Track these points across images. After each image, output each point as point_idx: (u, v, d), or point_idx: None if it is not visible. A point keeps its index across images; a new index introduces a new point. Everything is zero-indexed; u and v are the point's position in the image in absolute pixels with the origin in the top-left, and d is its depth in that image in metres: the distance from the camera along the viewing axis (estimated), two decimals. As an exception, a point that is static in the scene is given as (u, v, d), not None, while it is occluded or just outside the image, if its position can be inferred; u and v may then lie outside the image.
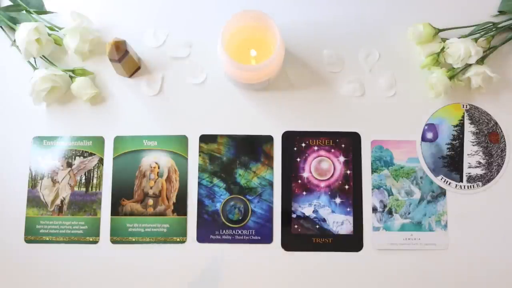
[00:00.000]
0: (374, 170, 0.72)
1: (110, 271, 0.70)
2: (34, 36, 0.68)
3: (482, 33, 0.72)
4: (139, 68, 0.74)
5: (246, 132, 0.73)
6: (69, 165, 0.73)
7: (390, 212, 0.71)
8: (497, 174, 0.72)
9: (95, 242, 0.71)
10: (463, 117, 0.73)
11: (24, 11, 0.73)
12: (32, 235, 0.71)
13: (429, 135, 0.73)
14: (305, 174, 0.72)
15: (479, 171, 0.72)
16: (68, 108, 0.74)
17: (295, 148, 0.72)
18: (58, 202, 0.72)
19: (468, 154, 0.72)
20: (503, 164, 0.72)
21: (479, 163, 0.72)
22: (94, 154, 0.73)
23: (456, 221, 0.71)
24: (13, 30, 0.71)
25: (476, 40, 0.71)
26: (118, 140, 0.73)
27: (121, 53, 0.68)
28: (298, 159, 0.72)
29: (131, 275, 0.70)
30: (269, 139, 0.73)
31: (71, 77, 0.73)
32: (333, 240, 0.70)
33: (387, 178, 0.72)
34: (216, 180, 0.72)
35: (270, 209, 0.71)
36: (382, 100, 0.73)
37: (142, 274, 0.70)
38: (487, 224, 0.70)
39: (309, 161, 0.72)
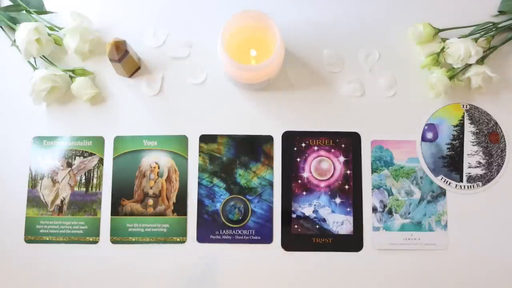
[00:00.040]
0: (374, 170, 0.72)
1: (110, 271, 0.70)
2: (34, 36, 0.68)
3: (482, 33, 0.72)
4: (139, 68, 0.74)
5: (246, 132, 0.73)
6: (69, 165, 0.73)
7: (390, 212, 0.71)
8: (497, 174, 0.72)
9: (95, 242, 0.71)
10: (463, 117, 0.73)
11: (24, 11, 0.73)
12: (32, 235, 0.71)
13: (429, 135, 0.73)
14: (305, 174, 0.72)
15: (479, 171, 0.72)
16: (68, 108, 0.74)
17: (295, 148, 0.72)
18: (58, 202, 0.72)
19: (468, 154, 0.72)
20: (503, 164, 0.72)
21: (479, 163, 0.72)
22: (94, 154, 0.73)
23: (456, 221, 0.71)
24: (13, 30, 0.71)
25: (476, 40, 0.71)
26: (118, 140, 0.73)
27: (121, 53, 0.68)
28: (298, 159, 0.72)
29: (131, 275, 0.70)
30: (269, 139, 0.73)
31: (71, 77, 0.73)
32: (333, 240, 0.70)
33: (387, 178, 0.72)
34: (216, 180, 0.72)
35: (270, 209, 0.71)
36: (382, 100, 0.73)
37: (142, 274, 0.70)
38: (487, 224, 0.70)
39: (309, 161, 0.72)
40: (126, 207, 0.71)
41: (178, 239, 0.71)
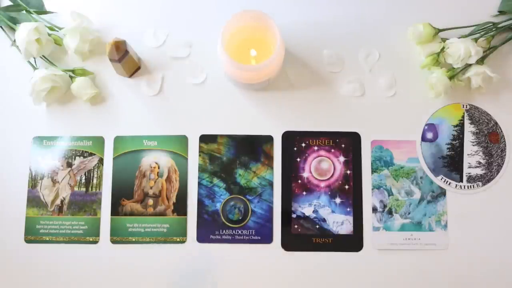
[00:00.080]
0: (374, 170, 0.72)
1: (110, 271, 0.70)
2: (34, 36, 0.68)
3: (482, 33, 0.72)
4: (139, 68, 0.74)
5: (246, 132, 0.73)
6: (69, 165, 0.73)
7: (390, 212, 0.71)
8: (497, 174, 0.72)
9: (95, 242, 0.71)
10: (463, 117, 0.73)
11: (24, 11, 0.73)
12: (32, 235, 0.71)
13: (429, 135, 0.73)
14: (305, 174, 0.72)
15: (479, 171, 0.72)
16: (68, 108, 0.74)
17: (295, 148, 0.72)
18: (58, 202, 0.72)
19: (468, 154, 0.72)
20: (503, 164, 0.72)
21: (479, 163, 0.72)
22: (94, 154, 0.73)
23: (456, 221, 0.71)
24: (13, 30, 0.71)
25: (476, 40, 0.71)
26: (118, 140, 0.73)
27: (121, 53, 0.68)
28: (298, 159, 0.72)
29: (131, 275, 0.70)
30: (269, 139, 0.73)
31: (71, 77, 0.73)
32: (333, 240, 0.70)
33: (387, 178, 0.72)
34: (216, 180, 0.72)
35: (270, 209, 0.71)
36: (382, 100, 0.73)
37: (142, 274, 0.70)
38: (487, 224, 0.70)
39: (309, 161, 0.72)
40: (126, 207, 0.71)
41: (178, 239, 0.71)
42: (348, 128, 0.73)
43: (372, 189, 0.72)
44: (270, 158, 0.72)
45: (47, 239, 0.71)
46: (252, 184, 0.72)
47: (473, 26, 0.73)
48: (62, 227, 0.71)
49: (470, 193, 0.71)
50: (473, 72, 0.70)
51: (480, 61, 0.71)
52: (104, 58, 0.71)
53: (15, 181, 0.72)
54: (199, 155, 0.72)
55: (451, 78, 0.71)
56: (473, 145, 0.72)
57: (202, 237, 0.71)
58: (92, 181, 0.72)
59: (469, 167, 0.72)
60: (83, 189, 0.72)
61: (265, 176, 0.72)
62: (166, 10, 0.76)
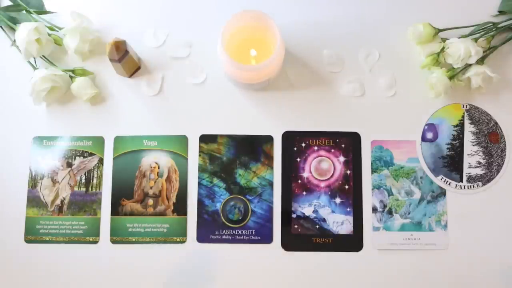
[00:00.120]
0: (374, 170, 0.72)
1: (110, 271, 0.70)
2: (34, 36, 0.68)
3: (482, 33, 0.72)
4: (139, 68, 0.74)
5: (246, 132, 0.73)
6: (69, 165, 0.73)
7: (390, 212, 0.71)
8: (497, 174, 0.72)
9: (95, 242, 0.71)
10: (463, 117, 0.73)
11: (24, 11, 0.73)
12: (32, 235, 0.71)
13: (429, 135, 0.73)
14: (305, 174, 0.72)
15: (479, 171, 0.72)
16: (68, 108, 0.74)
17: (295, 148, 0.72)
18: (58, 202, 0.72)
19: (468, 154, 0.72)
20: (503, 164, 0.72)
21: (479, 163, 0.72)
22: (94, 154, 0.73)
23: (456, 221, 0.71)
24: (13, 30, 0.71)
25: (476, 40, 0.71)
26: (118, 140, 0.73)
27: (121, 53, 0.68)
28: (298, 159, 0.72)
29: (131, 275, 0.70)
30: (269, 139, 0.73)
31: (71, 77, 0.73)
32: (333, 240, 0.70)
33: (387, 178, 0.72)
34: (216, 180, 0.72)
35: (270, 209, 0.71)
36: (382, 100, 0.73)
37: (142, 274, 0.70)
38: (487, 224, 0.70)
39: (309, 161, 0.72)
40: (126, 207, 0.71)
41: (178, 239, 0.71)
42: (348, 128, 0.73)
43: (372, 189, 0.72)
44: (270, 158, 0.72)
45: (47, 239, 0.71)
46: (252, 184, 0.72)
47: (473, 26, 0.73)
48: (62, 227, 0.71)
49: (470, 193, 0.71)
50: (473, 72, 0.70)
51: (480, 61, 0.71)
52: (104, 58, 0.71)
53: (15, 181, 0.72)
54: (199, 155, 0.72)
55: (451, 78, 0.71)
56: (473, 145, 0.72)
57: (202, 237, 0.71)
58: (92, 181, 0.72)
59: (469, 167, 0.72)
60: (83, 189, 0.72)
61: (265, 176, 0.72)
62: (166, 10, 0.76)
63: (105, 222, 0.71)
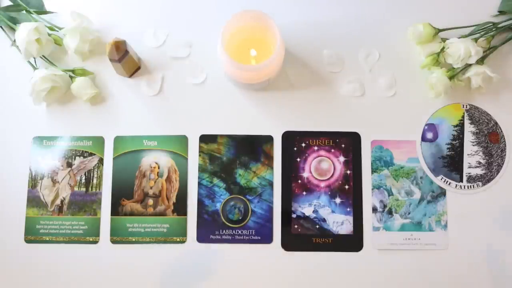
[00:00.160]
0: (374, 170, 0.72)
1: (110, 271, 0.70)
2: (34, 36, 0.68)
3: (482, 33, 0.72)
4: (139, 68, 0.74)
5: (246, 132, 0.73)
6: (69, 165, 0.73)
7: (390, 212, 0.71)
8: (497, 174, 0.72)
9: (95, 242, 0.71)
10: (463, 117, 0.73)
11: (24, 11, 0.73)
12: (32, 235, 0.71)
13: (429, 135, 0.73)
14: (305, 174, 0.72)
15: (479, 171, 0.72)
16: (68, 108, 0.74)
17: (295, 148, 0.72)
18: (58, 202, 0.72)
19: (468, 154, 0.72)
20: (503, 164, 0.72)
21: (479, 163, 0.72)
22: (94, 154, 0.73)
23: (456, 221, 0.71)
24: (13, 30, 0.71)
25: (476, 40, 0.71)
26: (118, 140, 0.73)
27: (121, 53, 0.68)
28: (298, 159, 0.72)
29: (131, 275, 0.70)
30: (269, 139, 0.73)
31: (71, 77, 0.73)
32: (333, 240, 0.70)
33: (387, 178, 0.72)
34: (216, 180, 0.72)
35: (270, 209, 0.71)
36: (382, 100, 0.73)
37: (142, 274, 0.70)
38: (487, 224, 0.70)
39: (309, 161, 0.72)
40: (126, 207, 0.71)
41: (178, 239, 0.71)
42: (348, 128, 0.73)
43: (372, 189, 0.72)
44: (270, 158, 0.72)
45: (47, 239, 0.71)
46: (252, 184, 0.72)
47: (473, 26, 0.73)
48: (62, 227, 0.71)
49: (470, 193, 0.71)
50: (473, 72, 0.70)
51: (480, 61, 0.71)
52: (104, 58, 0.71)
53: (15, 181, 0.72)
54: (199, 155, 0.72)
55: (451, 78, 0.71)
56: (473, 145, 0.72)
57: (202, 237, 0.71)
58: (92, 181, 0.72)
59: (469, 167, 0.72)
60: (83, 189, 0.72)
61: (265, 176, 0.72)
62: (166, 10, 0.76)
63: (105, 222, 0.71)
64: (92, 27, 0.73)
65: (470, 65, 0.70)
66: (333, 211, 0.71)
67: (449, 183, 0.71)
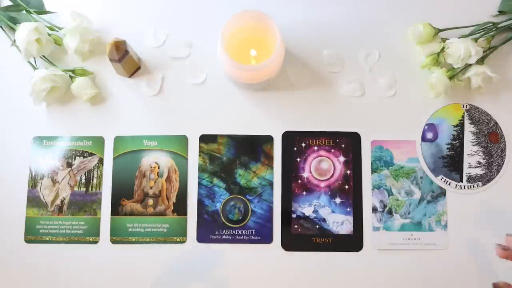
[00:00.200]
0: (374, 170, 0.72)
1: (110, 271, 0.70)
2: (34, 36, 0.68)
3: (482, 33, 0.72)
4: (139, 68, 0.74)
5: (246, 132, 0.73)
6: (69, 165, 0.73)
7: (390, 212, 0.71)
8: (497, 174, 0.72)
9: (95, 242, 0.71)
10: (463, 117, 0.73)
11: (24, 11, 0.73)
12: (32, 235, 0.71)
13: (429, 135, 0.73)
14: (305, 174, 0.72)
15: (479, 171, 0.72)
16: (68, 108, 0.74)
17: (295, 148, 0.72)
18: (58, 202, 0.72)
19: (468, 154, 0.72)
20: (503, 164, 0.72)
21: (479, 163, 0.72)
22: (94, 154, 0.73)
23: (456, 221, 0.71)
24: (13, 30, 0.71)
25: (476, 40, 0.71)
26: (118, 140, 0.73)
27: (121, 53, 0.68)
28: (298, 159, 0.72)
29: (131, 275, 0.70)
30: (269, 139, 0.73)
31: (71, 77, 0.73)
32: (333, 240, 0.70)
33: (387, 178, 0.72)
34: (216, 180, 0.72)
35: (270, 209, 0.71)
36: (382, 100, 0.73)
37: (142, 274, 0.70)
38: (487, 224, 0.70)
39: (309, 161, 0.72)
40: (126, 207, 0.71)
41: (178, 239, 0.71)
42: (348, 128, 0.73)
43: (372, 189, 0.72)
44: (270, 158, 0.72)
45: (47, 239, 0.71)
46: (252, 184, 0.72)
47: (473, 26, 0.73)
48: (62, 227, 0.71)
49: (470, 193, 0.71)
50: (473, 72, 0.70)
51: (480, 61, 0.71)
52: (104, 58, 0.71)
53: (15, 181, 0.72)
54: (199, 155, 0.72)
55: (451, 78, 0.71)
56: (473, 145, 0.72)
57: (202, 237, 0.71)
58: (92, 181, 0.72)
59: (469, 167, 0.72)
60: (83, 189, 0.72)
61: (265, 176, 0.72)
62: (166, 10, 0.76)
63: (105, 222, 0.71)
64: (92, 27, 0.73)
65: (470, 65, 0.70)
66: (333, 211, 0.71)
67: (449, 183, 0.71)
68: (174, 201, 0.71)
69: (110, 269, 0.70)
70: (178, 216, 0.71)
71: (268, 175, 0.72)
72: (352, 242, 0.70)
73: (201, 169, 0.72)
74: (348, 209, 0.71)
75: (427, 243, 0.70)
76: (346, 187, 0.72)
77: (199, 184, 0.72)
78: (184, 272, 0.70)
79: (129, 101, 0.74)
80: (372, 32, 0.75)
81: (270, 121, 0.73)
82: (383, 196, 0.71)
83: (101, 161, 0.72)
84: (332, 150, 0.72)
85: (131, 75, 0.74)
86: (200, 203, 0.71)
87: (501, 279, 0.60)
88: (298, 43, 0.74)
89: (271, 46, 0.70)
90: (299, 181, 0.72)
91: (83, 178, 0.72)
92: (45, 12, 0.74)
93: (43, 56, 0.72)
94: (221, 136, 0.73)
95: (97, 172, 0.72)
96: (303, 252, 0.70)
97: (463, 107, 0.73)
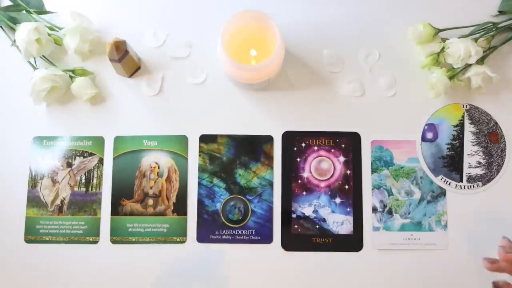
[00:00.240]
0: (374, 170, 0.72)
1: (110, 271, 0.70)
2: (34, 36, 0.68)
3: (482, 33, 0.72)
4: (139, 68, 0.74)
5: (246, 132, 0.73)
6: (69, 165, 0.73)
7: (390, 212, 0.71)
8: (497, 174, 0.72)
9: (95, 242, 0.71)
10: (463, 117, 0.73)
11: (24, 11, 0.73)
12: (32, 235, 0.71)
13: (429, 135, 0.73)
14: (305, 174, 0.72)
15: (479, 171, 0.72)
16: (68, 108, 0.74)
17: (295, 148, 0.72)
18: (58, 202, 0.72)
19: (468, 154, 0.72)
20: (503, 164, 0.72)
21: (479, 163, 0.72)
22: (94, 154, 0.73)
23: (456, 221, 0.71)
24: (13, 30, 0.71)
25: (476, 40, 0.71)
26: (118, 140, 0.73)
27: (121, 53, 0.68)
28: (298, 159, 0.72)
29: (131, 275, 0.70)
30: (269, 139, 0.73)
31: (71, 77, 0.73)
32: (333, 240, 0.70)
33: (387, 178, 0.72)
34: (216, 180, 0.72)
35: (270, 209, 0.71)
36: (382, 100, 0.73)
37: (142, 274, 0.70)
38: (487, 224, 0.70)
39: (309, 161, 0.72)
40: (126, 207, 0.71)
41: (178, 239, 0.71)
42: (348, 128, 0.73)
43: (372, 189, 0.72)
44: (270, 158, 0.72)
45: (47, 239, 0.71)
46: (252, 184, 0.72)
47: (473, 26, 0.73)
48: (62, 227, 0.71)
49: (470, 193, 0.71)
50: (473, 72, 0.70)
51: (480, 61, 0.71)
52: (104, 58, 0.71)
53: (15, 181, 0.72)
54: (199, 155, 0.72)
55: (451, 78, 0.71)
56: (473, 145, 0.72)
57: (202, 237, 0.71)
58: (92, 181, 0.72)
59: (469, 167, 0.72)
60: (83, 189, 0.72)
61: (265, 176, 0.72)
62: (166, 10, 0.76)
63: (105, 222, 0.71)
64: (92, 27, 0.73)
65: (470, 65, 0.70)
66: (333, 211, 0.71)
67: (449, 183, 0.71)
68: (174, 201, 0.71)
69: (110, 269, 0.70)
70: (178, 216, 0.71)
71: (268, 175, 0.72)
72: (352, 242, 0.70)
73: (201, 169, 0.72)
74: (348, 209, 0.71)
75: (427, 243, 0.70)
76: (346, 187, 0.72)
77: (199, 184, 0.72)
78: (184, 272, 0.70)
79: (129, 101, 0.74)
80: (372, 32, 0.75)
81: (270, 121, 0.73)
82: (383, 196, 0.71)
83: (101, 161, 0.72)
84: (332, 150, 0.72)
85: (131, 75, 0.74)
86: (200, 203, 0.71)
87: (501, 278, 0.60)
88: (298, 43, 0.74)
89: (271, 46, 0.70)
90: (299, 181, 0.72)
91: (83, 178, 0.72)
92: (45, 12, 0.74)
93: (43, 56, 0.72)
94: (221, 136, 0.73)
95: (97, 172, 0.72)
96: (303, 252, 0.70)
97: (463, 107, 0.73)
